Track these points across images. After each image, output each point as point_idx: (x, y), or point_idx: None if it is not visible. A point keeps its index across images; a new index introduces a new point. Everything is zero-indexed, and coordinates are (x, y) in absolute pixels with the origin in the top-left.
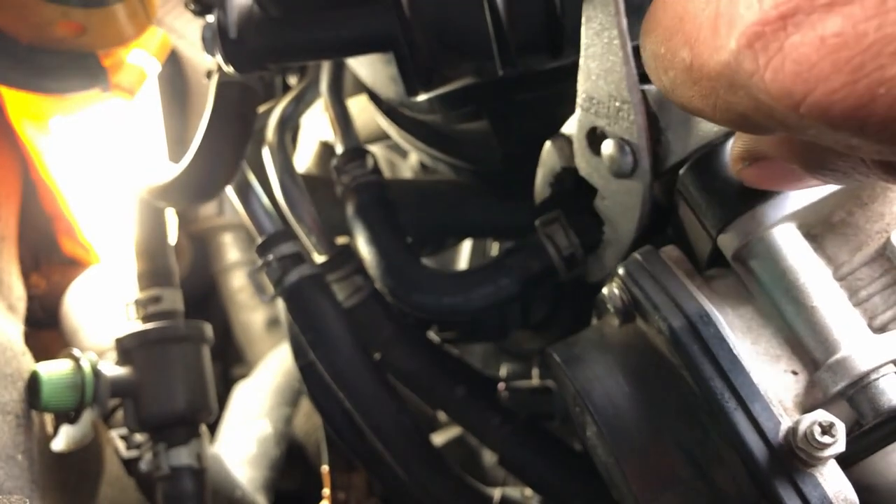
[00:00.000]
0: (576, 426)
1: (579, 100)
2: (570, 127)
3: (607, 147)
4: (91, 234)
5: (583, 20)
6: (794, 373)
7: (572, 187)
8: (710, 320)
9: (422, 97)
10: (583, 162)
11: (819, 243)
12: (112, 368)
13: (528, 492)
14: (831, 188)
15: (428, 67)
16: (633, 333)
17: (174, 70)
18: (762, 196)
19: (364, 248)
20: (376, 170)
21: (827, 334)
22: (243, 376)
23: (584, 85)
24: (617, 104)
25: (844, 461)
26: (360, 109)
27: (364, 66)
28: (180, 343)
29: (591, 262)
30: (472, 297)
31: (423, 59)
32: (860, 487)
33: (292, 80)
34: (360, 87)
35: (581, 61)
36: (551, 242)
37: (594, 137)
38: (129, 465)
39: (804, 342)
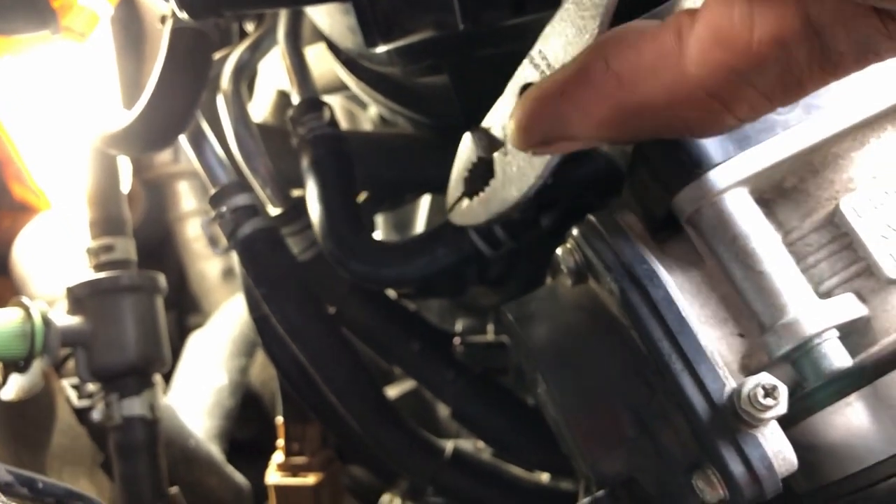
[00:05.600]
0: (528, 382)
1: (533, 52)
2: (490, 120)
3: None
4: (42, 180)
5: None
6: (741, 336)
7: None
8: (659, 283)
9: (381, 49)
10: (500, 110)
11: (770, 209)
12: (63, 318)
13: (481, 444)
14: (785, 153)
15: (387, 18)
16: (585, 294)
17: (128, 13)
18: (716, 161)
19: (312, 205)
20: (333, 122)
21: (774, 299)
22: (199, 325)
23: (547, 40)
24: None
25: (786, 421)
26: (319, 58)
27: (322, 16)
28: (133, 293)
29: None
30: (408, 269)
31: (383, 9)
32: (800, 447)
33: (249, 26)
34: (319, 35)
35: (555, 18)
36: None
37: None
38: (81, 414)
39: (752, 306)
